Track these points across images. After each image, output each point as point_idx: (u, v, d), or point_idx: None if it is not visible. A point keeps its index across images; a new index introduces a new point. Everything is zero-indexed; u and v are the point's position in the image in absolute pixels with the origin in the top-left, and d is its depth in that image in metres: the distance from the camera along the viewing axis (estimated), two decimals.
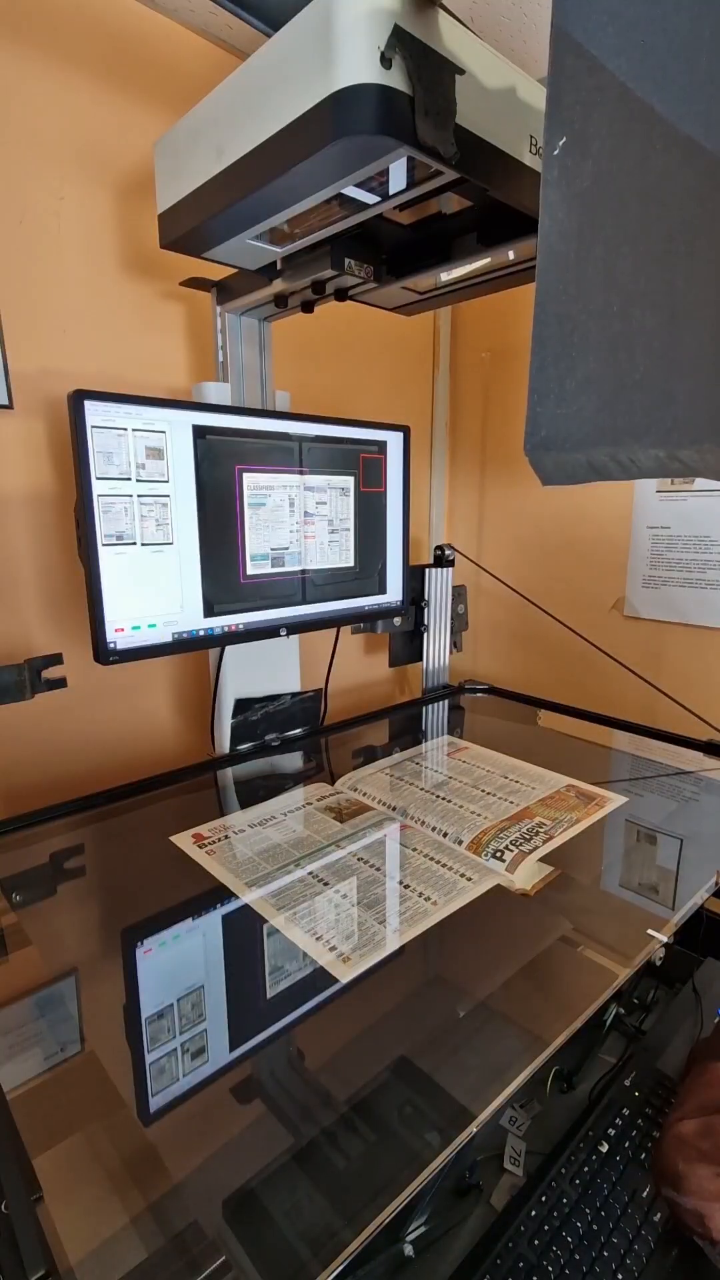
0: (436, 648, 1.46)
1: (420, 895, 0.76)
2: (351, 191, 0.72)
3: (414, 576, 1.37)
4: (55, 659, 0.81)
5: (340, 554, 1.18)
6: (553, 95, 0.37)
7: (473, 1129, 0.52)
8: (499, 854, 0.82)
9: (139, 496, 0.90)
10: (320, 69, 0.59)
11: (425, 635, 1.42)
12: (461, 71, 0.63)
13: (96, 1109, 0.56)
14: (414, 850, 0.86)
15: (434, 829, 0.90)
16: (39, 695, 0.84)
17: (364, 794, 1.00)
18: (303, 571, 1.13)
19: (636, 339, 0.36)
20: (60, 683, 0.82)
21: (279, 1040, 0.59)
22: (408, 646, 1.44)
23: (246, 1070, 0.56)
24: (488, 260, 0.90)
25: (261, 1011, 0.62)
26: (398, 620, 1.35)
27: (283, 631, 1.11)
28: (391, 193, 0.73)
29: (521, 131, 0.70)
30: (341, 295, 1.01)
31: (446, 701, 1.47)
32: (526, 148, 0.71)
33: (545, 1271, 0.52)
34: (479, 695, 1.52)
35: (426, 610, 1.41)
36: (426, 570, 1.40)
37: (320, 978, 0.65)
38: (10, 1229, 0.41)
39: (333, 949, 0.68)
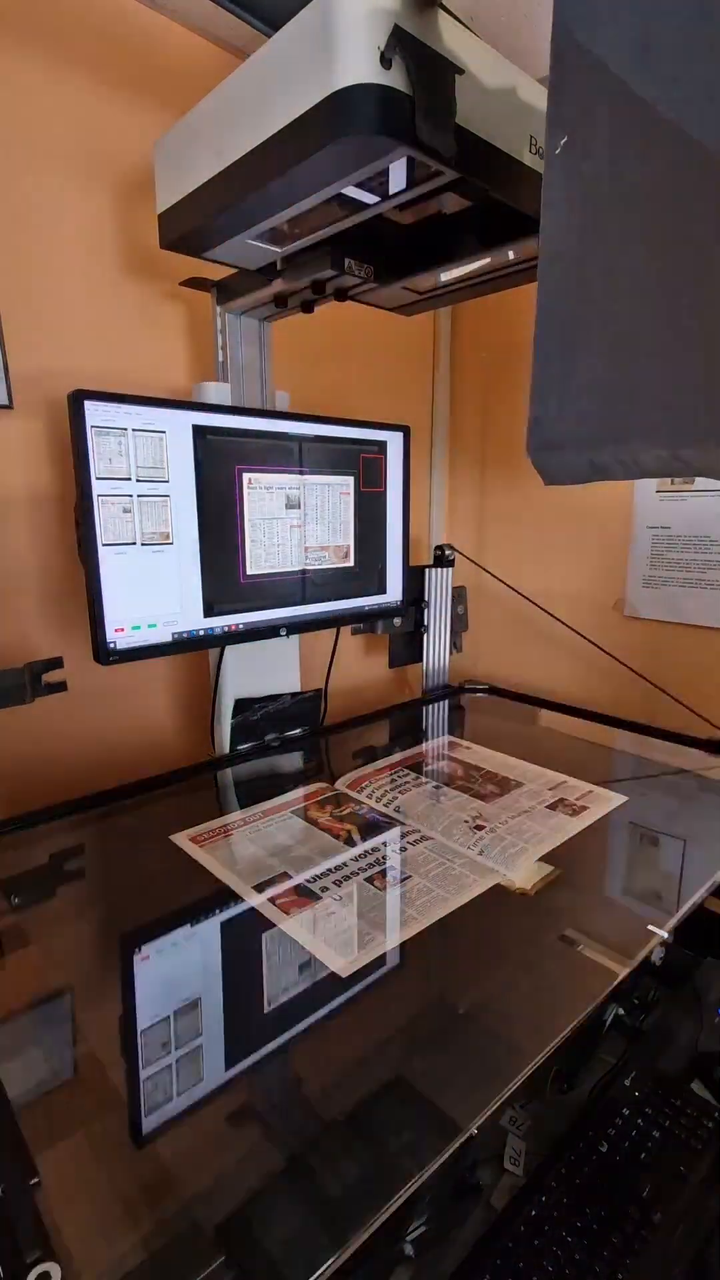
0: (436, 648, 1.46)
1: (420, 894, 0.76)
2: (351, 191, 0.72)
3: (414, 577, 1.36)
4: (56, 663, 0.81)
5: (340, 554, 1.18)
6: (554, 95, 0.37)
7: (472, 1129, 0.52)
8: (499, 853, 0.82)
9: (139, 496, 0.90)
10: (320, 69, 0.59)
11: (425, 635, 1.42)
12: (461, 71, 0.63)
13: (97, 1108, 0.56)
14: (414, 849, 0.86)
15: (434, 828, 0.90)
16: (39, 698, 0.84)
17: (364, 794, 1.00)
18: (302, 571, 1.13)
19: (639, 338, 0.36)
20: (60, 686, 0.81)
21: (280, 1038, 0.59)
22: (408, 647, 1.44)
23: (247, 1068, 0.56)
24: (488, 260, 0.90)
25: (262, 1009, 0.62)
26: (397, 621, 1.34)
27: (283, 631, 1.11)
28: (391, 193, 0.73)
29: (522, 131, 0.70)
30: (341, 295, 1.01)
31: (446, 701, 1.47)
32: (526, 147, 0.71)
33: (545, 1271, 0.52)
34: (479, 695, 1.52)
35: (426, 611, 1.41)
36: (426, 570, 1.39)
37: (320, 975, 0.65)
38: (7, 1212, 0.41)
39: (332, 947, 0.68)
